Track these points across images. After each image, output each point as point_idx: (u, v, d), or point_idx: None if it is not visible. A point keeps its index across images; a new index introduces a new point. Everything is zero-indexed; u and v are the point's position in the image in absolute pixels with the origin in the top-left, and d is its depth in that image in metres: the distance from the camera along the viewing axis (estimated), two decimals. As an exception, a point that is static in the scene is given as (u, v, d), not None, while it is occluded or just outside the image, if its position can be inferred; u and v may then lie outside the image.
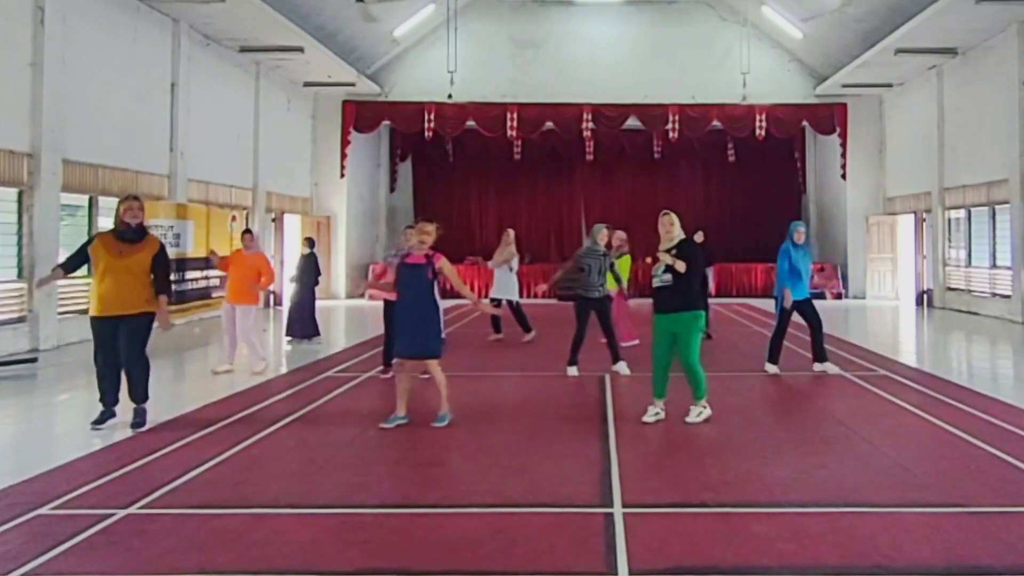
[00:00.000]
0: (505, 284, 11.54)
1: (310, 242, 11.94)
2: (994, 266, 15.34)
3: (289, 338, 11.44)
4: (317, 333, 11.51)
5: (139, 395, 6.09)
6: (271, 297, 17.38)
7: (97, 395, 6.03)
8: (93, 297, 5.98)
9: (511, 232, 11.87)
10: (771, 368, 8.49)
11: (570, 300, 8.99)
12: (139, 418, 6.06)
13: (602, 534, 3.79)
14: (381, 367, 8.58)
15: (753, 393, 7.41)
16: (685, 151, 22.87)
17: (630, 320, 10.80)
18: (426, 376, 7.59)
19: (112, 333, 5.94)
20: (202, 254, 14.21)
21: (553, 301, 18.79)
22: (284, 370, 8.97)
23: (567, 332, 11.95)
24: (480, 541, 3.71)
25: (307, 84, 19.21)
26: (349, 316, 16.32)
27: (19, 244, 10.45)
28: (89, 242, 6.09)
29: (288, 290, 13.44)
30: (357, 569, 3.41)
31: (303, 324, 11.40)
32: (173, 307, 13.39)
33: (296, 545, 3.68)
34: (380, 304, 8.50)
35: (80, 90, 11.43)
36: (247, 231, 9.39)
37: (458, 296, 6.80)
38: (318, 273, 11.76)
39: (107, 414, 6.05)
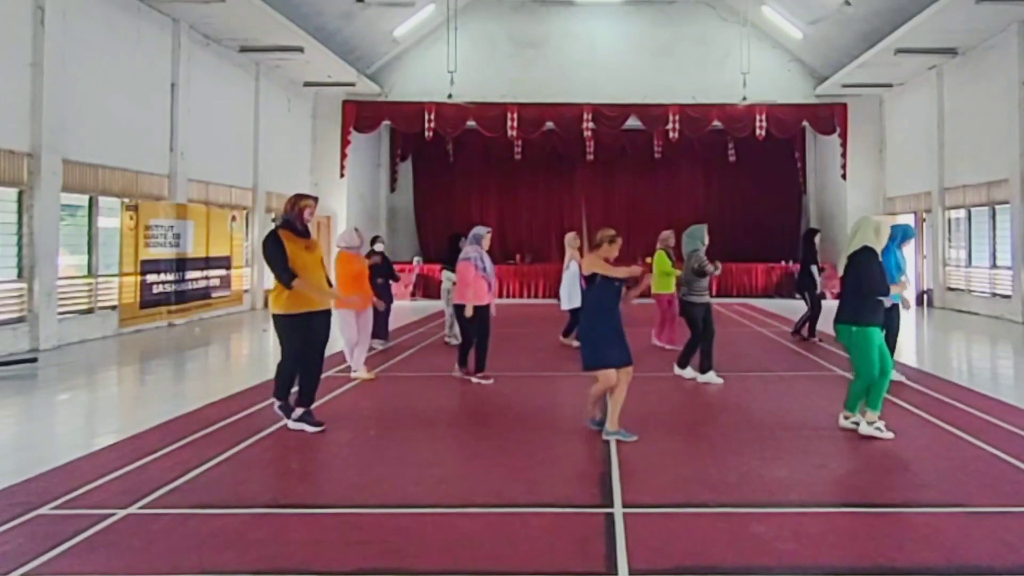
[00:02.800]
0: (576, 291, 10.23)
1: (375, 239, 11.17)
2: (994, 266, 15.33)
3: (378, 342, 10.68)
4: (384, 337, 10.79)
5: (312, 396, 6.12)
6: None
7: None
8: (285, 294, 5.83)
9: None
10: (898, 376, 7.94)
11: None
12: (311, 418, 6.08)
13: (602, 534, 3.79)
14: (466, 370, 8.17)
15: (753, 393, 7.41)
16: (685, 151, 22.91)
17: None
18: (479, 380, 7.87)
19: (307, 329, 5.94)
20: (202, 254, 14.22)
21: (554, 301, 18.78)
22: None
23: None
24: (480, 541, 3.71)
25: (307, 84, 19.21)
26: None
27: (19, 244, 10.45)
28: (277, 239, 5.85)
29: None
30: (357, 569, 3.41)
31: (379, 325, 10.54)
32: (173, 307, 13.50)
33: (296, 545, 3.68)
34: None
35: (80, 90, 11.43)
36: (356, 230, 8.71)
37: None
38: (389, 273, 10.87)
39: (290, 408, 6.03)
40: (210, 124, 15.11)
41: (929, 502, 4.26)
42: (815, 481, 4.70)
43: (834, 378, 8.20)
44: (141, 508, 4.19)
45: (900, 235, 7.79)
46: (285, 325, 5.90)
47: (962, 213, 16.59)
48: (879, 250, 5.66)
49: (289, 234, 5.95)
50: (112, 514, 4.07)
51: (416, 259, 21.21)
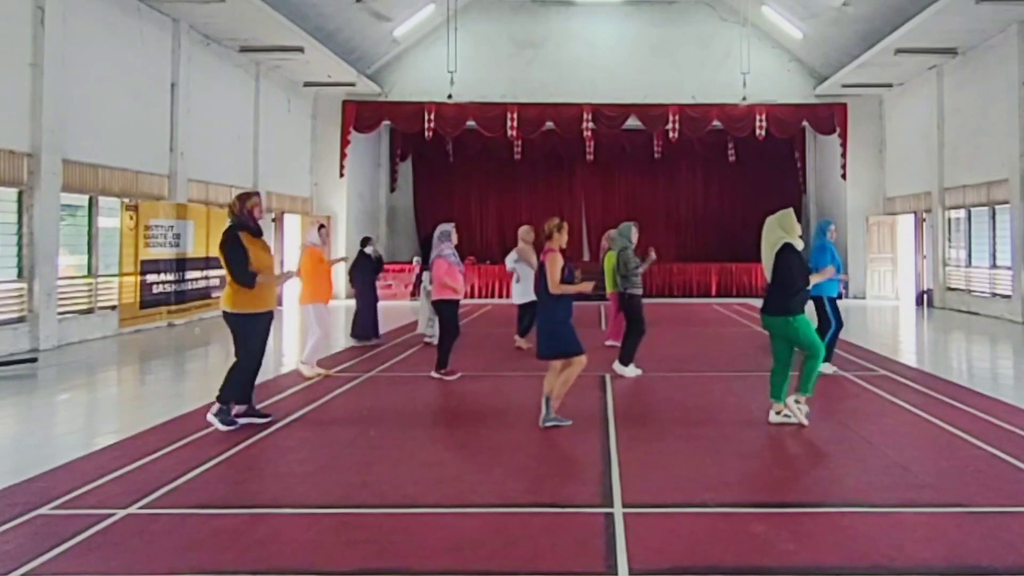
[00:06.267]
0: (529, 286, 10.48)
1: (365, 240, 11.48)
2: (994, 266, 15.33)
3: (354, 340, 11.12)
4: (375, 335, 11.25)
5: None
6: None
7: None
8: (252, 293, 5.95)
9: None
10: (829, 368, 8.39)
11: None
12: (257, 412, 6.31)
13: (602, 534, 3.79)
14: (444, 370, 8.24)
15: (753, 393, 7.40)
16: (685, 151, 22.92)
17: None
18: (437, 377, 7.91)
19: (265, 327, 6.14)
20: (202, 254, 14.22)
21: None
22: (284, 370, 8.96)
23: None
24: (480, 541, 3.70)
25: (307, 84, 19.21)
26: (349, 316, 16.30)
27: (19, 244, 10.44)
28: (239, 240, 5.93)
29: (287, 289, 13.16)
30: (357, 569, 3.41)
31: (363, 325, 11.11)
32: (173, 307, 13.50)
33: (296, 545, 3.68)
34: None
35: (80, 90, 11.43)
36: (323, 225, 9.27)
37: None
38: (375, 272, 11.36)
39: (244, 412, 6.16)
40: (210, 124, 15.10)
41: (929, 502, 4.26)
42: (814, 481, 4.71)
43: (834, 379, 8.19)
44: (141, 508, 4.18)
45: (825, 229, 8.53)
46: (250, 323, 6.02)
47: (962, 213, 16.58)
48: (795, 243, 6.03)
49: (247, 235, 6.01)
50: (112, 514, 4.07)
51: (416, 259, 21.18)
